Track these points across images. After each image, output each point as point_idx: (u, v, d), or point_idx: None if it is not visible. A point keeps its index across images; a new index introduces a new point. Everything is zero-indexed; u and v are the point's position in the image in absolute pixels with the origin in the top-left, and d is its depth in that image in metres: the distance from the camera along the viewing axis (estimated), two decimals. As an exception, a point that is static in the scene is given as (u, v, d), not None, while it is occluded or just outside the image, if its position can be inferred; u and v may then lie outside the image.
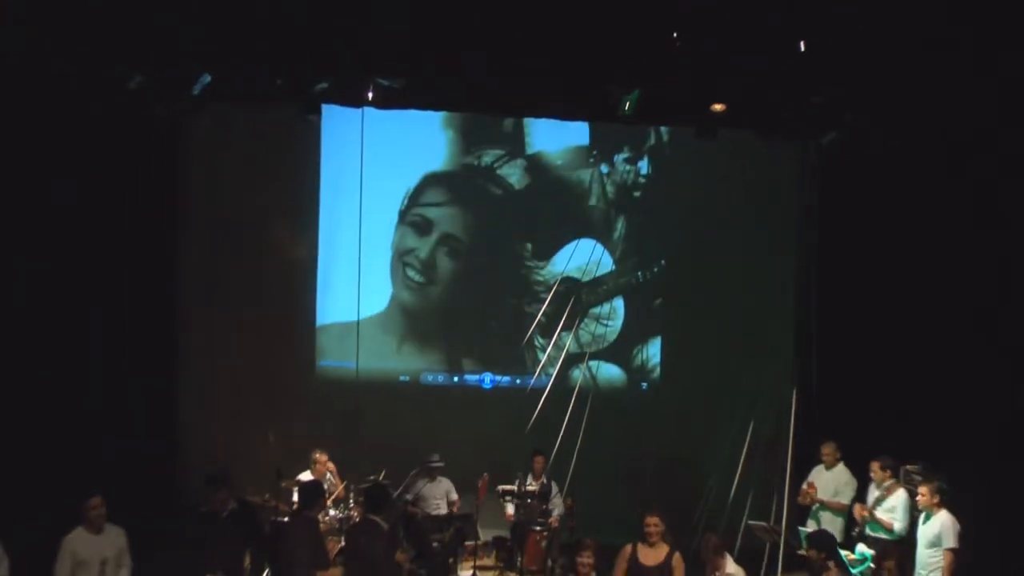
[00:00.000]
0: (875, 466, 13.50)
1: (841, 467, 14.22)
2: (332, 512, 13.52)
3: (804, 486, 14.22)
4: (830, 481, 14.21)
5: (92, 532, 10.85)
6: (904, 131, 12.57)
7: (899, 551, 11.48)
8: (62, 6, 10.20)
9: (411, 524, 11.80)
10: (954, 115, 11.93)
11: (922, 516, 12.25)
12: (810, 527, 13.54)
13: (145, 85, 11.95)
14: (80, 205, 14.59)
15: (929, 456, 13.09)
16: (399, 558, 10.98)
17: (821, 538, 11.23)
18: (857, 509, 13.55)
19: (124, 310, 15.49)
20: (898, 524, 12.91)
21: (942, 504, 12.13)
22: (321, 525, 11.24)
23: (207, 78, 12.15)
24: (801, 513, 13.93)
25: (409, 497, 13.61)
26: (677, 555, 10.99)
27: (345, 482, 14.52)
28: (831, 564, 10.85)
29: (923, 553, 12.06)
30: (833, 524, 13.69)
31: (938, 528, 12.00)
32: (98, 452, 14.17)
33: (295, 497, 12.32)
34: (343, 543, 12.23)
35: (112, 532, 10.99)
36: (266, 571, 13.36)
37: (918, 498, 12.35)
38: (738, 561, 11.23)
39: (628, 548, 10.96)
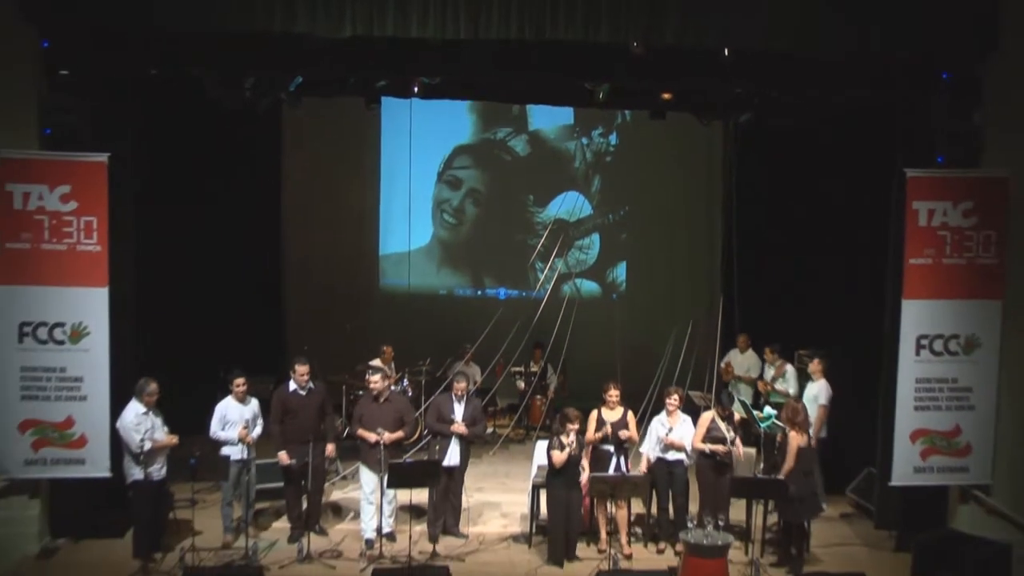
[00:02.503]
0: (767, 352, 13.78)
1: (750, 351, 14.41)
2: (393, 388, 13.66)
3: (722, 365, 14.41)
4: (743, 362, 14.43)
5: (237, 401, 10.91)
6: (793, 111, 12.60)
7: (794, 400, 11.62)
8: (198, 31, 10.26)
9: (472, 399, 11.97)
10: (826, 98, 12.00)
11: (808, 382, 12.45)
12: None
13: (256, 84, 11.97)
14: (218, 168, 14.83)
15: (815, 343, 13.26)
16: (457, 428, 11.15)
17: (722, 397, 11.47)
18: (760, 385, 13.79)
19: (250, 240, 15.73)
20: (792, 389, 13.08)
21: (823, 374, 12.32)
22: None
23: (300, 79, 12.15)
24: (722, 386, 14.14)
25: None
26: (630, 412, 11.16)
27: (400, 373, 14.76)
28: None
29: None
30: (746, 393, 13.92)
31: (816, 390, 12.16)
32: (232, 336, 14.46)
33: (368, 376, 12.43)
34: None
35: (251, 402, 11.05)
36: (346, 430, 13.62)
37: (809, 368, 12.54)
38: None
39: (595, 412, 11.07)
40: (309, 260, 17.70)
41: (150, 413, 10.36)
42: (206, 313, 14.50)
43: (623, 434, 10.89)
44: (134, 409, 10.27)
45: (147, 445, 10.20)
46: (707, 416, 11.09)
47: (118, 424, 10.29)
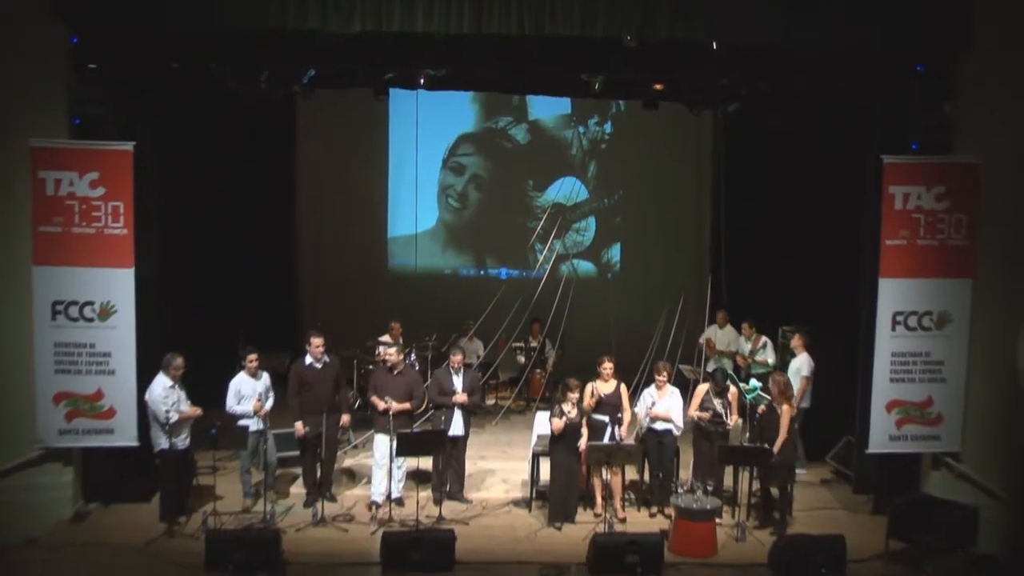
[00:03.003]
0: (745, 326, 13.91)
1: (729, 327, 14.53)
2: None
3: (702, 341, 14.55)
4: (723, 337, 14.54)
5: (250, 376, 11.04)
6: (779, 102, 12.69)
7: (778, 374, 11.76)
8: (218, 30, 10.42)
9: (469, 371, 12.08)
10: (809, 89, 12.10)
11: (791, 356, 12.61)
12: (711, 366, 13.87)
13: (271, 77, 12.08)
14: (235, 156, 14.89)
15: (798, 319, 13.41)
16: (457, 398, 11.31)
17: (716, 373, 11.62)
18: (739, 360, 13.92)
19: (265, 224, 15.92)
20: (771, 359, 13.27)
21: (805, 348, 12.48)
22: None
23: (312, 72, 12.25)
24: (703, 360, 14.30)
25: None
26: (623, 385, 11.26)
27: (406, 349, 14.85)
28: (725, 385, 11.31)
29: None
30: (728, 366, 13.99)
31: (799, 363, 12.34)
32: (249, 315, 14.57)
33: (379, 351, 12.55)
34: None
35: (263, 377, 11.18)
36: (357, 402, 13.79)
37: (792, 344, 12.73)
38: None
39: (591, 385, 11.14)
40: (321, 243, 17.86)
41: (176, 386, 10.57)
42: (224, 293, 14.61)
43: (620, 433, 11.05)
44: (162, 383, 10.48)
45: (173, 416, 10.42)
46: (702, 389, 11.33)
47: (147, 396, 10.49)
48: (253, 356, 11.11)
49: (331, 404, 11.18)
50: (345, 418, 11.47)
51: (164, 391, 10.45)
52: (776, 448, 10.63)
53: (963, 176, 10.78)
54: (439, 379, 11.45)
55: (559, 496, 10.90)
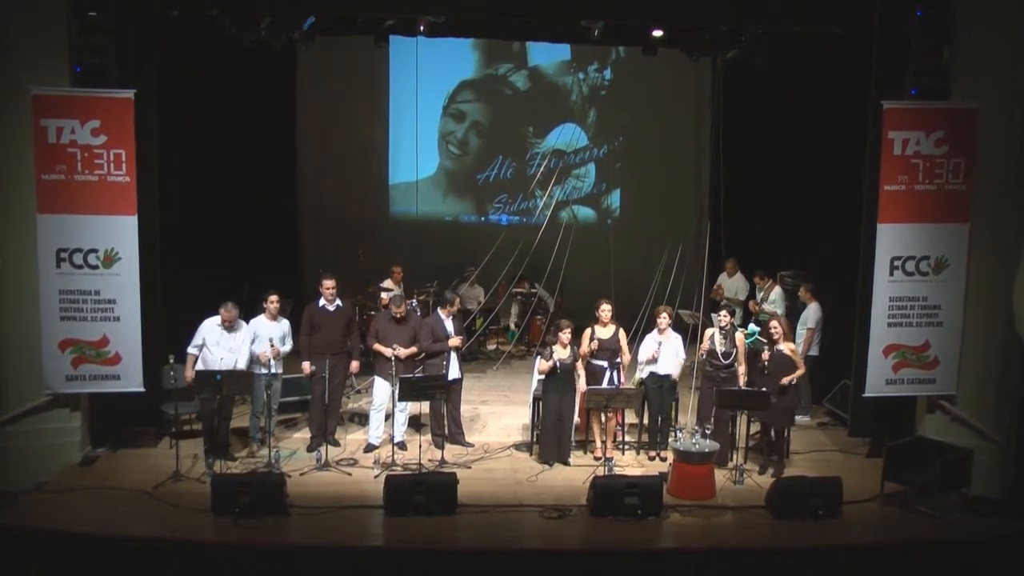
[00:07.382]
0: (757, 278, 13.86)
1: (739, 275, 14.54)
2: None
3: (715, 287, 14.56)
4: (732, 284, 14.59)
5: (269, 319, 11.03)
6: (775, 48, 12.59)
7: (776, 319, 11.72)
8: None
9: (456, 316, 12.08)
10: (808, 34, 12.01)
11: (804, 306, 12.64)
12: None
13: (272, 25, 11.96)
14: (236, 103, 14.74)
15: (796, 265, 13.38)
16: (453, 341, 11.31)
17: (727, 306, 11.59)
18: (751, 305, 13.92)
19: (267, 170, 15.88)
20: (779, 309, 13.22)
21: (814, 297, 12.49)
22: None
23: (312, 19, 12.15)
24: (712, 305, 14.23)
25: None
26: (621, 330, 11.28)
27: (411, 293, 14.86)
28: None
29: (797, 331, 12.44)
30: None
31: (806, 314, 12.39)
32: (251, 259, 14.63)
33: (383, 295, 12.49)
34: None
35: (283, 321, 11.19)
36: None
37: (800, 294, 12.76)
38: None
39: (588, 329, 11.17)
40: (323, 190, 17.81)
41: (225, 331, 10.74)
42: (226, 240, 14.55)
43: (621, 378, 11.06)
44: (212, 320, 10.75)
45: (196, 352, 10.69)
46: (709, 332, 11.29)
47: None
48: (274, 297, 11.08)
49: (341, 348, 11.17)
50: (354, 364, 11.44)
51: (209, 328, 10.71)
52: (794, 378, 10.72)
53: (961, 121, 10.68)
54: (432, 327, 11.31)
55: (550, 435, 10.98)
